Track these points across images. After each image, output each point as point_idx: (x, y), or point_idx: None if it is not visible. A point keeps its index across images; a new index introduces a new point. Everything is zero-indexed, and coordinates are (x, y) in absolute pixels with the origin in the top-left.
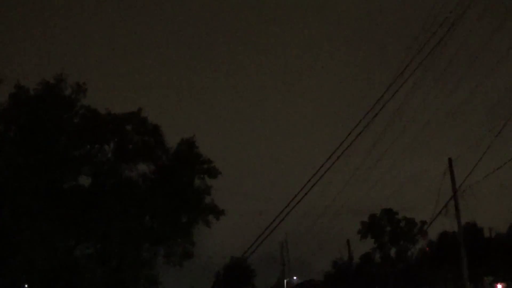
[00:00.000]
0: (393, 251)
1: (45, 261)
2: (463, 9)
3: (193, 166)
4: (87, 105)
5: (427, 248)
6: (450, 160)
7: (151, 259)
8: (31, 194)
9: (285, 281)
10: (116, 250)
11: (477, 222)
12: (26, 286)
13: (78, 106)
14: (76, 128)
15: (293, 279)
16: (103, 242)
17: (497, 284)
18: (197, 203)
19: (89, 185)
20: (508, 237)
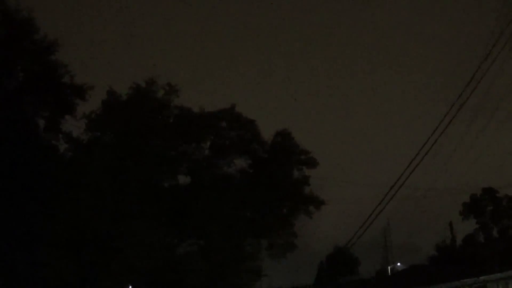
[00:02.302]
0: (496, 231)
1: (147, 262)
2: None
3: (290, 158)
4: (180, 105)
5: None
6: None
7: (254, 252)
8: (130, 197)
9: (388, 267)
10: (218, 246)
11: None
12: (130, 287)
13: (171, 107)
14: (171, 128)
15: (397, 265)
16: (205, 239)
17: None
18: (296, 194)
19: (188, 183)
20: None
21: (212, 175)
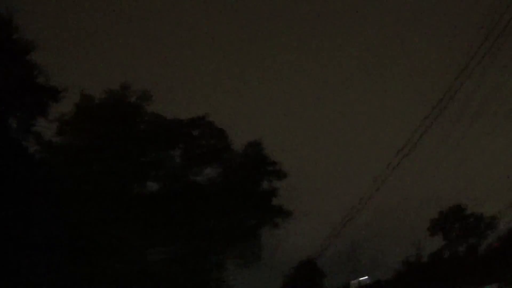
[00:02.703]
0: (463, 248)
1: (120, 267)
2: None
3: (260, 169)
4: (153, 111)
5: (496, 244)
6: None
7: (221, 262)
8: (102, 201)
9: (352, 282)
10: (186, 254)
11: None
12: None
13: (144, 113)
14: (143, 134)
15: (364, 278)
16: (175, 247)
17: None
18: (264, 205)
19: (157, 190)
20: None
21: (182, 183)
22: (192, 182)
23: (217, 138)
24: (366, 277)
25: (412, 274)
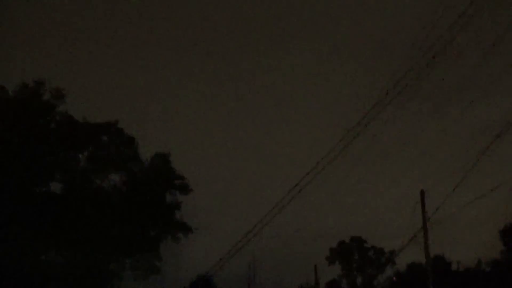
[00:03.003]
0: (360, 279)
1: (17, 266)
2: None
3: (165, 181)
4: (65, 111)
5: (394, 278)
6: (422, 192)
7: (118, 271)
8: (4, 197)
9: None
10: (84, 259)
11: (446, 255)
12: None
13: (55, 112)
14: (52, 134)
15: None
16: (72, 251)
17: None
18: (166, 218)
19: (60, 192)
20: (476, 272)
21: (86, 187)
22: (97, 188)
23: (126, 146)
24: None
25: None
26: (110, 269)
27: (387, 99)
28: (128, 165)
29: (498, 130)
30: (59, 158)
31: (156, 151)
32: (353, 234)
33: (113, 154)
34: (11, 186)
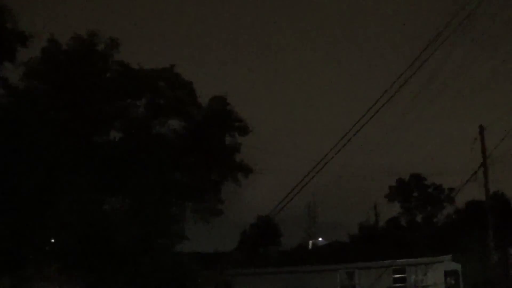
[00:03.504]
0: (419, 217)
1: (77, 216)
2: None
3: (224, 123)
4: (120, 60)
5: (454, 216)
6: (481, 127)
7: (180, 215)
8: (64, 148)
9: (310, 242)
10: (145, 205)
11: (506, 192)
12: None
13: (111, 61)
14: (109, 83)
15: (319, 240)
16: (133, 197)
17: None
18: (227, 160)
19: (120, 140)
20: None
21: (146, 134)
22: (156, 134)
23: (183, 90)
24: (321, 239)
25: (368, 239)
26: (172, 213)
27: (443, 35)
28: (187, 110)
29: None
30: (117, 107)
31: (214, 94)
32: (412, 172)
33: (171, 99)
34: (72, 137)
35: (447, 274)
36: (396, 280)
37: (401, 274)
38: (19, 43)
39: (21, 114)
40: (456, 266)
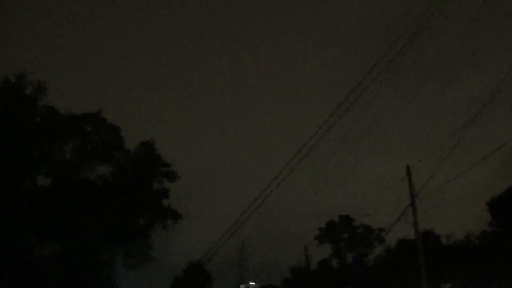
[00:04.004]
0: (350, 257)
1: (5, 261)
2: (428, 17)
3: (151, 169)
4: (48, 104)
5: (383, 255)
6: (408, 167)
7: (109, 260)
8: None
9: (242, 286)
10: (75, 251)
11: (435, 229)
12: None
13: (38, 105)
14: (36, 127)
15: (250, 284)
16: (62, 242)
17: None
18: (155, 206)
19: (48, 185)
20: (465, 245)
21: (73, 179)
22: (83, 179)
23: (111, 135)
24: (253, 283)
25: (300, 282)
26: (102, 259)
27: (370, 78)
28: (114, 155)
29: (481, 105)
30: (44, 151)
31: (141, 139)
32: (341, 213)
33: (98, 144)
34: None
35: None
36: None
37: None
38: None
39: None
40: None
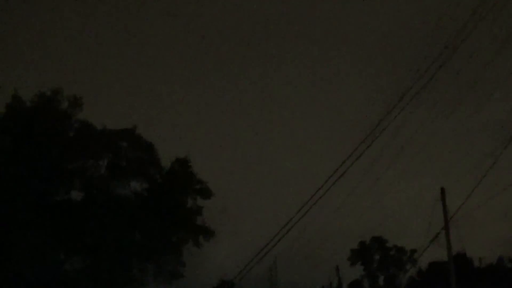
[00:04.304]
0: (381, 279)
1: (36, 275)
2: (462, 37)
3: (185, 186)
4: (83, 119)
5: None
6: (442, 189)
7: (141, 277)
8: (22, 205)
9: None
10: (106, 265)
11: (467, 251)
12: None
13: (73, 120)
14: (71, 141)
15: None
16: (93, 257)
17: None
18: (188, 223)
19: (81, 199)
20: (497, 268)
21: (106, 194)
22: (116, 194)
23: (145, 152)
24: None
25: None
26: (132, 275)
27: (403, 101)
28: (148, 171)
29: None
30: (78, 166)
31: (175, 156)
32: (373, 234)
33: (132, 160)
34: (31, 194)
35: None
36: None
37: None
38: None
39: None
40: None
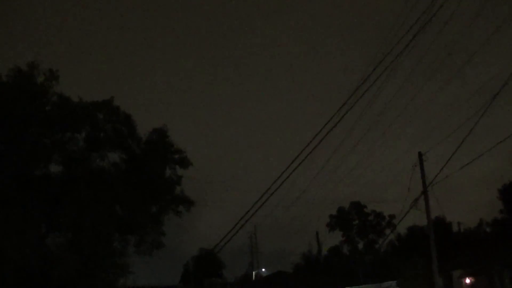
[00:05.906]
0: (361, 244)
1: (17, 249)
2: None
3: (164, 156)
4: (59, 92)
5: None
6: (420, 153)
7: (122, 248)
8: (1, 180)
9: (253, 272)
10: (87, 239)
11: (446, 216)
12: None
13: (50, 94)
14: (48, 115)
15: (262, 270)
16: (74, 231)
17: (465, 278)
18: (167, 193)
19: (60, 173)
20: (477, 232)
21: (85, 167)
22: (96, 167)
23: (123, 123)
24: (264, 269)
25: (311, 268)
26: (114, 247)
27: (381, 65)
28: (126, 142)
29: (494, 91)
30: (57, 140)
31: (153, 126)
32: (352, 200)
33: (110, 132)
34: (10, 170)
35: None
36: None
37: None
38: None
39: None
40: None
